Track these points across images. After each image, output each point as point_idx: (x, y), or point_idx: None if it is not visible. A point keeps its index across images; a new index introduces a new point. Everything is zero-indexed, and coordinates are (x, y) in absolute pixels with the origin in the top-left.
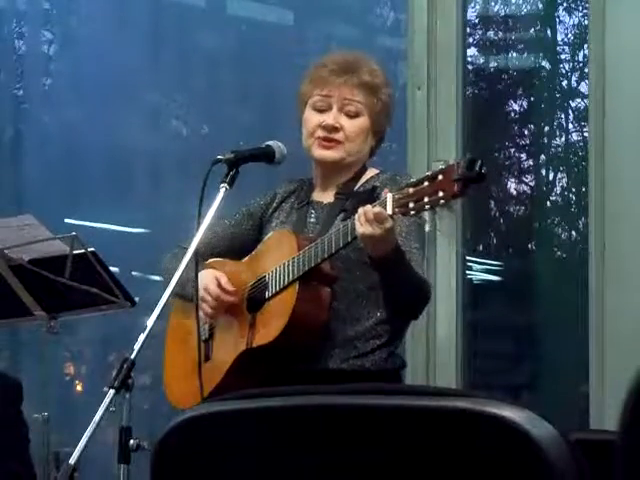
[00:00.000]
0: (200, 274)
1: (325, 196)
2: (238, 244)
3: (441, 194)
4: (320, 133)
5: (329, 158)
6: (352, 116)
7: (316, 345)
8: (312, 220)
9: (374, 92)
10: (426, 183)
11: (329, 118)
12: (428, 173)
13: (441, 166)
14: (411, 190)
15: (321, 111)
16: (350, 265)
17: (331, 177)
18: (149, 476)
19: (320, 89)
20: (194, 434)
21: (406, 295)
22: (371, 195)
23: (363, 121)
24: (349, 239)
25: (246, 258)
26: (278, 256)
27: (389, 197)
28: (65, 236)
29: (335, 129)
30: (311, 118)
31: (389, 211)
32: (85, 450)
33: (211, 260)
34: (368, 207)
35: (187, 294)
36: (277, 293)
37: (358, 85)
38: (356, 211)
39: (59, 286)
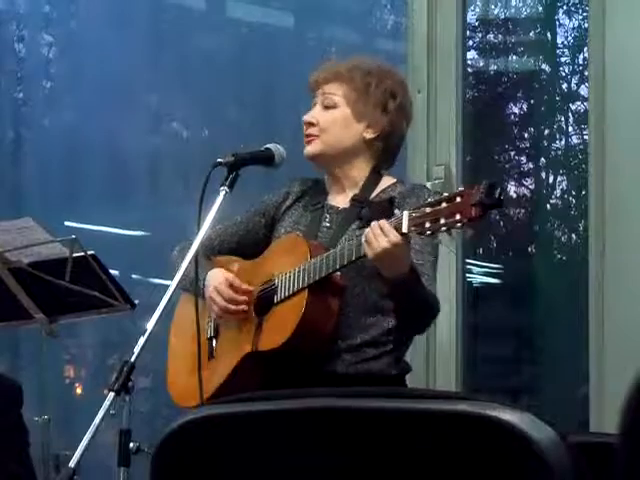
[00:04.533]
0: (209, 273)
1: (340, 201)
2: (249, 241)
3: (458, 217)
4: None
5: (308, 154)
6: (330, 107)
7: (322, 352)
8: (326, 224)
9: (348, 81)
10: (444, 204)
11: (306, 115)
12: (446, 194)
13: (460, 188)
14: (428, 210)
15: None
16: (363, 274)
17: (337, 176)
18: (149, 479)
19: (312, 95)
20: (194, 437)
21: (415, 314)
22: (388, 206)
23: (339, 111)
24: (362, 253)
25: (256, 259)
26: (289, 261)
27: (405, 215)
28: (65, 239)
29: (310, 124)
30: None
31: (404, 229)
32: (85, 453)
33: (220, 257)
34: (379, 222)
35: (197, 291)
36: (285, 299)
37: (331, 76)
38: (370, 221)
39: (59, 289)
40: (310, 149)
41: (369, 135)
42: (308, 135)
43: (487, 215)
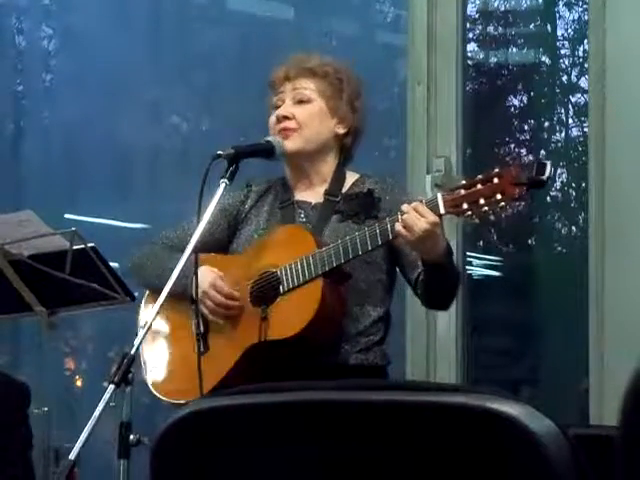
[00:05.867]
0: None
1: (310, 196)
2: (212, 242)
3: (499, 197)
4: (277, 127)
5: (289, 150)
6: (304, 102)
7: (332, 339)
8: (302, 220)
9: (322, 77)
10: (479, 185)
11: (280, 110)
12: (480, 176)
13: (496, 169)
14: (463, 192)
15: (278, 108)
16: (353, 264)
17: (307, 172)
18: (149, 471)
19: (275, 90)
20: (194, 429)
21: (448, 289)
22: (369, 197)
23: (315, 105)
24: (390, 236)
25: (246, 253)
26: (292, 252)
27: (439, 197)
28: (65, 231)
29: (286, 118)
30: (271, 118)
31: (442, 210)
32: (85, 445)
33: (202, 256)
34: (412, 205)
35: (177, 290)
36: (295, 288)
37: (303, 72)
38: (353, 213)
39: (59, 281)
40: (290, 145)
41: (340, 130)
42: (285, 129)
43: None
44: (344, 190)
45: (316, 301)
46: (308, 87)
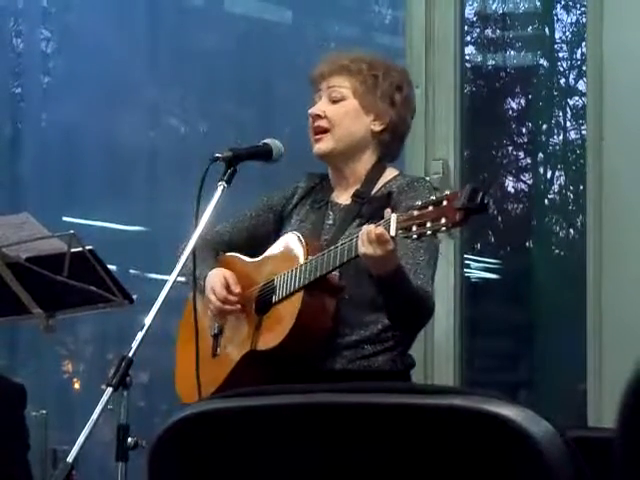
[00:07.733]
0: (210, 273)
1: (343, 197)
2: (259, 236)
3: (443, 221)
4: (312, 127)
5: (321, 151)
6: (337, 101)
7: (317, 351)
8: (329, 222)
9: (355, 73)
10: (431, 208)
11: (313, 108)
12: (433, 197)
13: (447, 192)
14: (415, 213)
15: None
16: (360, 272)
17: (343, 172)
18: (146, 474)
19: (315, 88)
20: (192, 432)
21: (403, 312)
22: (386, 202)
23: (348, 104)
24: (353, 254)
25: (259, 257)
26: (287, 261)
27: (393, 218)
28: (63, 234)
29: (318, 116)
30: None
31: (392, 233)
32: (83, 448)
33: (225, 257)
34: (371, 227)
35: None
36: (283, 299)
37: (336, 69)
38: (370, 216)
39: (57, 284)
40: (322, 147)
41: (377, 127)
42: (317, 128)
43: (470, 219)
44: (374, 191)
45: (294, 315)
46: (342, 85)
